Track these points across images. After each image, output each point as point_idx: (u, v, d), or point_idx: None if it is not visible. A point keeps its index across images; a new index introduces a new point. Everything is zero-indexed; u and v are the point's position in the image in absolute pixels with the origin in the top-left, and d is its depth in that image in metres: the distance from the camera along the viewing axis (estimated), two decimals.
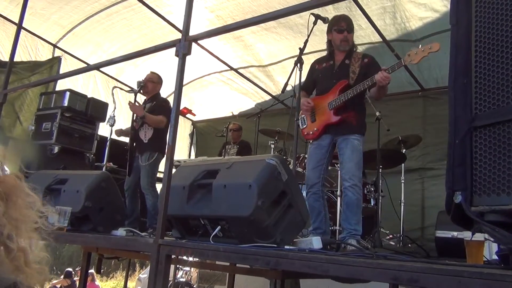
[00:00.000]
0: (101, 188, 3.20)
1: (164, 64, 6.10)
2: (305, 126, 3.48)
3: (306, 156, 4.60)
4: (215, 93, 7.43)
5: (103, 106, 5.38)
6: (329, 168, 4.20)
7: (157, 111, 4.39)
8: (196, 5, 2.65)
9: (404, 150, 4.73)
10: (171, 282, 6.39)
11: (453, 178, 1.40)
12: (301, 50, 3.37)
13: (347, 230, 3.11)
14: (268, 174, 2.22)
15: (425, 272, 1.39)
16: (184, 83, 2.64)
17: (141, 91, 4.60)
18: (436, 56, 5.18)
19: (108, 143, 4.55)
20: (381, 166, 4.42)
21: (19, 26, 4.52)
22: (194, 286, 7.61)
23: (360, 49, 5.41)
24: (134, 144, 4.40)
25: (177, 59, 2.52)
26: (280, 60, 6.13)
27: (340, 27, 3.33)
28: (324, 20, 3.32)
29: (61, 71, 6.09)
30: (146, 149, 4.33)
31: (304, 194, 3.71)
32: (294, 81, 3.43)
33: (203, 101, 7.66)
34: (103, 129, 5.44)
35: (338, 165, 3.81)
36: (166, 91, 5.69)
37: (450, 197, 1.40)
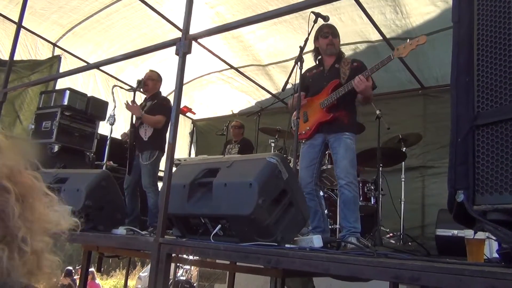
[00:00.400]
0: (101, 187, 3.19)
1: (164, 63, 6.10)
2: (296, 126, 3.50)
3: None
4: (215, 92, 7.42)
5: (103, 104, 5.37)
6: (329, 166, 4.22)
7: (157, 110, 4.39)
8: (196, 1, 2.64)
9: (404, 148, 4.74)
10: (171, 281, 6.39)
11: (455, 176, 1.40)
12: (302, 49, 3.37)
13: (346, 228, 3.13)
14: (268, 172, 2.22)
15: (426, 271, 1.38)
16: (184, 82, 2.63)
17: (141, 90, 4.60)
18: (436, 55, 5.21)
19: (108, 141, 4.55)
20: (381, 165, 4.42)
21: (19, 25, 4.51)
22: (195, 285, 7.62)
23: (359, 47, 5.45)
24: (134, 143, 4.41)
25: (177, 58, 2.52)
26: (281, 61, 6.14)
27: (325, 33, 3.47)
28: (325, 18, 3.32)
29: (61, 70, 6.08)
30: (146, 147, 4.33)
31: (302, 192, 3.72)
32: (294, 80, 3.43)
33: (203, 100, 7.66)
34: (103, 128, 5.44)
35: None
36: (166, 90, 5.69)
37: (452, 196, 1.39)
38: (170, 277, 4.63)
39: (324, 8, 4.36)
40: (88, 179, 3.18)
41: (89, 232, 2.99)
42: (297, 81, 3.43)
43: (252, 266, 3.37)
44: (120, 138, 4.89)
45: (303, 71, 3.44)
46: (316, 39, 3.55)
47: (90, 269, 7.44)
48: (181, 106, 4.32)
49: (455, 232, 3.68)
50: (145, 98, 4.77)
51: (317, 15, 3.34)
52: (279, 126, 5.35)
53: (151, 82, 4.58)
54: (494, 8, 1.39)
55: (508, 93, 1.32)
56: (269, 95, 7.01)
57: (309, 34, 3.38)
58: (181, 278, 7.90)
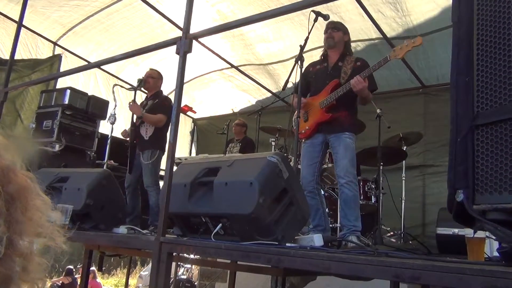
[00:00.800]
0: (102, 186, 3.20)
1: (165, 62, 6.11)
2: (296, 126, 3.52)
3: None
4: (216, 91, 7.43)
5: (104, 103, 5.37)
6: (330, 165, 4.23)
7: (158, 109, 4.40)
8: (196, 0, 2.64)
9: (405, 147, 4.74)
10: (172, 280, 6.40)
11: (455, 176, 1.40)
12: (302, 48, 3.38)
13: (347, 227, 3.14)
14: (269, 171, 2.22)
15: (426, 270, 1.39)
16: (185, 81, 2.64)
17: (141, 89, 4.60)
18: (436, 53, 5.21)
19: (109, 140, 4.55)
20: (382, 163, 4.42)
21: (20, 24, 4.51)
22: (195, 284, 7.62)
23: (360, 45, 5.45)
24: (135, 141, 4.41)
25: (177, 57, 2.52)
26: (281, 60, 6.13)
27: (326, 28, 3.53)
28: (325, 17, 3.32)
29: (62, 69, 6.09)
30: (147, 147, 4.34)
31: (303, 191, 3.71)
32: (294, 79, 3.44)
33: (204, 99, 7.66)
34: (104, 127, 5.44)
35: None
36: (167, 88, 5.69)
37: (452, 195, 1.39)
38: (171, 276, 4.64)
39: (325, 6, 4.36)
40: (89, 178, 3.18)
41: (90, 231, 3.00)
42: (298, 79, 3.43)
43: (253, 265, 3.37)
44: (121, 136, 4.90)
45: (303, 69, 3.45)
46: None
47: (91, 268, 7.45)
48: (182, 105, 4.32)
49: (456, 230, 3.69)
50: (146, 97, 4.78)
51: (318, 13, 3.35)
52: (279, 125, 5.35)
53: (151, 80, 4.58)
54: (494, 8, 1.39)
55: (507, 93, 1.32)
56: (269, 94, 7.01)
57: (309, 33, 3.38)
58: (182, 277, 7.89)
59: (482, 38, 1.42)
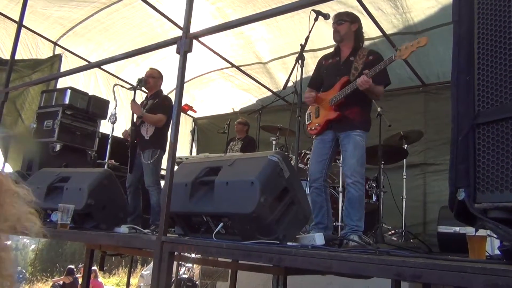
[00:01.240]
0: (103, 185, 3.20)
1: (165, 62, 6.11)
2: (310, 121, 3.53)
3: (308, 152, 4.62)
4: (216, 90, 7.43)
5: (104, 103, 5.38)
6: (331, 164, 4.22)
7: (159, 108, 4.41)
8: None
9: (405, 145, 4.74)
10: (173, 279, 6.41)
11: (456, 175, 1.40)
12: (302, 47, 3.38)
13: (349, 226, 3.11)
14: (270, 171, 2.22)
15: (428, 268, 1.39)
16: (185, 80, 2.63)
17: (141, 88, 4.61)
18: (437, 51, 5.21)
19: (109, 140, 4.56)
20: (382, 162, 4.42)
21: (20, 24, 4.51)
22: (197, 283, 7.63)
23: None
24: (135, 141, 4.42)
25: (177, 56, 2.51)
26: (282, 56, 6.12)
27: (333, 22, 3.45)
28: (325, 16, 3.32)
29: (62, 69, 6.10)
30: (148, 146, 4.35)
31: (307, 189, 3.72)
32: (295, 78, 3.44)
33: (204, 98, 7.66)
34: (105, 127, 5.45)
35: (340, 161, 3.83)
36: (167, 88, 5.70)
37: (453, 194, 1.39)
38: (172, 275, 4.64)
39: (325, 5, 4.35)
40: (90, 178, 3.19)
41: (91, 231, 3.00)
42: (298, 79, 3.43)
43: (254, 264, 3.38)
44: (121, 136, 4.90)
45: (304, 70, 3.43)
46: None
47: (92, 267, 7.47)
48: (182, 104, 4.32)
49: (457, 229, 3.69)
50: (146, 96, 4.79)
51: (318, 13, 3.35)
52: (280, 123, 5.35)
53: (152, 80, 4.59)
54: (495, 7, 1.39)
55: (508, 91, 1.32)
56: (270, 93, 7.01)
57: (309, 32, 3.38)
58: (184, 276, 7.91)
59: (483, 36, 1.42)
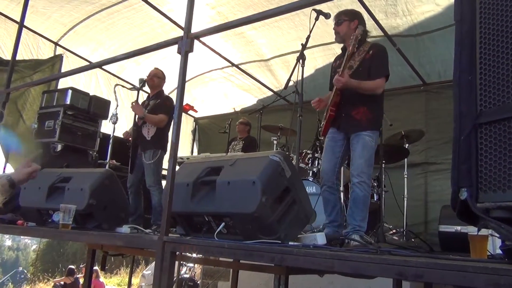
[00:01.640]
0: (104, 185, 3.20)
1: (166, 61, 6.11)
2: (323, 122, 3.50)
3: (308, 152, 4.63)
4: (217, 90, 7.43)
5: (105, 103, 5.38)
6: None
7: (160, 109, 4.41)
8: (196, 2, 2.63)
9: (407, 145, 4.74)
10: (175, 278, 6.42)
11: (458, 175, 1.40)
12: (303, 46, 3.38)
13: (352, 225, 3.10)
14: (271, 170, 2.22)
15: (429, 268, 1.39)
16: (186, 79, 2.63)
17: (143, 88, 4.61)
18: (438, 50, 5.21)
19: (111, 140, 4.56)
20: (384, 161, 4.42)
21: (21, 25, 4.51)
22: (198, 282, 7.64)
23: None
24: (137, 141, 4.43)
25: (178, 56, 2.51)
26: (283, 54, 6.12)
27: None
28: (326, 15, 3.32)
29: (63, 69, 6.10)
30: (149, 147, 4.36)
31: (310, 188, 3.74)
32: (296, 77, 3.44)
33: (205, 98, 7.67)
34: (106, 127, 5.45)
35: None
36: (168, 87, 5.69)
37: (456, 193, 1.39)
38: (174, 275, 4.64)
39: (325, 5, 4.36)
40: (91, 178, 3.19)
41: (93, 231, 3.01)
42: (299, 78, 3.43)
43: (256, 264, 3.38)
44: (122, 136, 4.90)
45: (305, 69, 3.44)
46: None
47: (94, 267, 7.49)
48: (183, 104, 4.33)
49: (458, 228, 3.69)
50: (148, 96, 4.79)
51: (319, 12, 3.35)
52: (281, 123, 5.35)
53: (157, 79, 4.60)
54: (497, 6, 1.39)
55: (511, 91, 1.32)
56: (270, 93, 7.01)
57: (310, 32, 3.38)
58: (185, 275, 7.92)
59: (485, 36, 1.41)
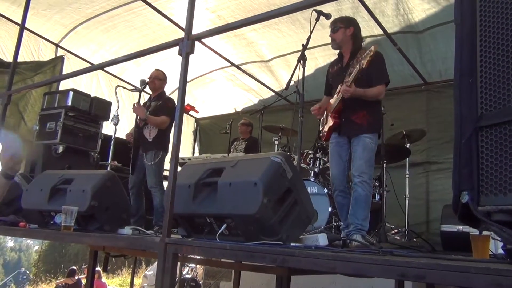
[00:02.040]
0: (106, 187, 3.21)
1: (166, 62, 6.11)
2: (322, 127, 3.60)
3: (309, 152, 4.63)
4: (218, 90, 7.44)
5: (107, 104, 5.39)
6: None
7: (161, 110, 4.41)
8: (197, 7, 2.64)
9: (408, 144, 4.73)
10: (177, 279, 6.42)
11: (460, 178, 1.40)
12: (304, 47, 3.38)
13: (354, 224, 3.13)
14: (273, 172, 2.22)
15: (431, 268, 1.39)
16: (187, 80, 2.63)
17: (145, 90, 4.61)
18: (439, 49, 5.20)
19: (112, 142, 4.56)
20: (385, 161, 4.42)
21: (22, 27, 4.52)
22: (200, 282, 7.65)
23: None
24: (138, 143, 4.43)
25: (179, 56, 2.51)
26: (284, 54, 6.12)
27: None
28: (327, 16, 3.32)
29: (64, 71, 6.11)
30: (151, 148, 4.36)
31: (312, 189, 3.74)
32: (297, 77, 3.44)
33: (206, 98, 7.67)
34: (107, 128, 5.46)
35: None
36: (169, 88, 5.69)
37: (457, 197, 1.40)
38: (176, 276, 4.65)
39: (326, 5, 4.36)
40: (93, 180, 3.19)
41: (95, 233, 3.01)
42: (300, 78, 3.44)
43: (258, 264, 3.38)
44: (124, 138, 4.91)
45: (306, 68, 3.45)
46: None
47: (96, 268, 7.50)
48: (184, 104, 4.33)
49: (460, 227, 3.69)
50: (149, 97, 4.79)
51: (319, 12, 3.35)
52: (282, 123, 5.35)
53: (158, 81, 4.60)
54: (497, 9, 1.38)
55: (511, 94, 1.32)
56: (272, 93, 7.01)
57: (311, 32, 3.39)
58: (187, 276, 7.93)
59: (485, 39, 1.41)
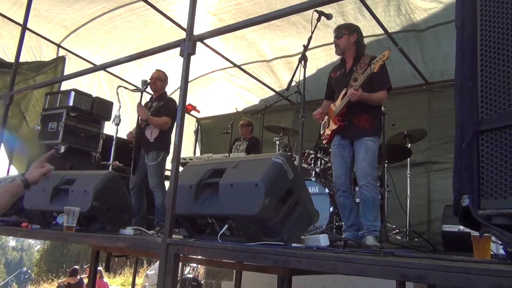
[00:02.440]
0: (108, 187, 3.21)
1: (168, 63, 6.12)
2: (323, 130, 3.68)
3: (311, 152, 4.63)
4: (219, 90, 7.44)
5: (108, 105, 5.40)
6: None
7: (163, 111, 4.42)
8: (198, 10, 2.64)
9: (409, 144, 4.73)
10: (178, 278, 6.43)
11: (460, 181, 1.40)
12: (305, 47, 3.39)
13: (366, 226, 3.22)
14: (274, 172, 2.22)
15: (433, 270, 1.39)
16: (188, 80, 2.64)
17: (146, 90, 4.62)
18: (441, 48, 5.20)
19: (113, 142, 4.57)
20: (386, 161, 4.42)
21: (24, 27, 4.53)
22: (202, 282, 7.66)
23: (364, 41, 5.44)
24: (140, 143, 4.44)
25: (180, 57, 2.52)
26: (285, 55, 6.12)
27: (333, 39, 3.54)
28: (328, 16, 3.33)
29: (66, 71, 6.12)
30: (152, 148, 4.37)
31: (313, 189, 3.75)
32: (298, 78, 3.45)
33: (207, 98, 7.68)
34: (109, 128, 5.47)
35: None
36: (170, 88, 5.70)
37: (458, 200, 1.40)
38: (178, 276, 4.65)
39: (327, 6, 4.36)
40: (95, 180, 3.20)
41: (97, 233, 3.02)
42: (301, 79, 3.44)
43: (259, 264, 3.39)
44: (126, 138, 4.91)
45: (307, 69, 3.45)
46: None
47: (98, 268, 7.51)
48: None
49: (461, 228, 3.68)
50: (151, 98, 4.80)
51: (320, 13, 3.36)
52: (283, 123, 5.36)
53: (159, 82, 4.61)
54: (498, 14, 1.39)
55: None
56: (273, 93, 7.01)
57: (312, 33, 3.39)
58: (188, 275, 7.94)
59: (486, 43, 1.42)
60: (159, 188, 4.32)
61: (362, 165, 3.27)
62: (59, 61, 6.12)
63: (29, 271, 20.72)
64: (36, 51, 5.98)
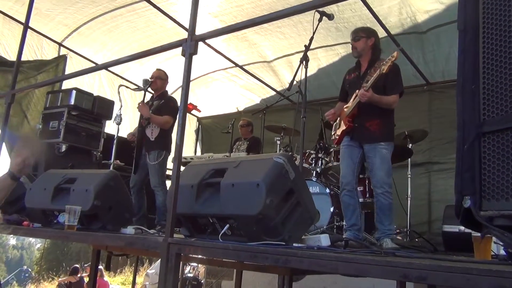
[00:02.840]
0: (109, 186, 3.21)
1: (169, 62, 6.13)
2: (334, 131, 3.71)
3: (312, 152, 4.63)
4: (220, 90, 7.44)
5: (109, 104, 5.40)
6: (335, 164, 4.25)
7: (164, 110, 4.43)
8: (200, 11, 2.64)
9: (410, 144, 4.73)
10: (179, 278, 6.44)
11: (462, 182, 1.41)
12: (307, 48, 3.39)
13: (381, 230, 3.30)
14: (275, 172, 2.23)
15: (433, 270, 1.39)
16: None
17: (148, 89, 4.62)
18: (442, 49, 5.20)
19: (115, 141, 4.58)
20: None
21: (26, 26, 4.53)
22: (202, 281, 7.67)
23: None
24: (141, 142, 4.44)
25: (182, 56, 2.52)
26: (286, 55, 6.12)
27: (350, 40, 3.57)
28: (329, 17, 3.34)
29: (67, 70, 6.12)
30: (153, 147, 4.37)
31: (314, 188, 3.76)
32: (299, 77, 3.46)
33: (209, 98, 7.68)
34: (110, 127, 5.47)
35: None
36: (171, 87, 5.71)
37: (459, 201, 1.41)
38: (179, 276, 4.66)
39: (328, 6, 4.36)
40: (96, 179, 3.20)
41: (98, 232, 3.02)
42: (303, 79, 3.45)
43: (260, 264, 3.39)
44: (126, 138, 4.92)
45: (308, 69, 3.46)
46: None
47: (98, 267, 7.51)
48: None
49: (462, 228, 3.68)
50: (152, 97, 4.80)
51: (322, 13, 3.37)
52: (284, 123, 5.36)
53: (159, 81, 4.61)
54: (500, 16, 1.39)
55: None
56: (274, 92, 7.01)
57: (314, 33, 3.39)
58: (189, 275, 7.95)
59: (488, 45, 1.42)
60: (160, 188, 4.33)
61: (379, 175, 3.30)
62: (61, 60, 6.12)
63: (30, 270, 20.73)
64: (38, 50, 5.99)
